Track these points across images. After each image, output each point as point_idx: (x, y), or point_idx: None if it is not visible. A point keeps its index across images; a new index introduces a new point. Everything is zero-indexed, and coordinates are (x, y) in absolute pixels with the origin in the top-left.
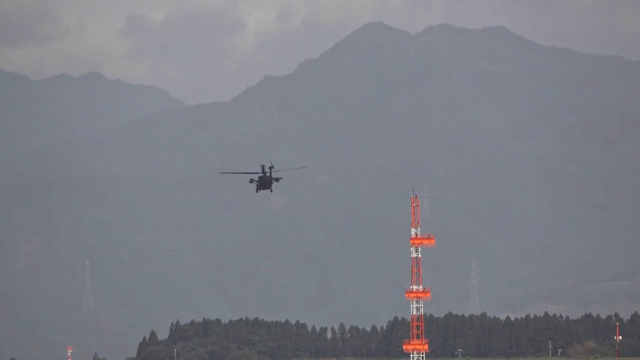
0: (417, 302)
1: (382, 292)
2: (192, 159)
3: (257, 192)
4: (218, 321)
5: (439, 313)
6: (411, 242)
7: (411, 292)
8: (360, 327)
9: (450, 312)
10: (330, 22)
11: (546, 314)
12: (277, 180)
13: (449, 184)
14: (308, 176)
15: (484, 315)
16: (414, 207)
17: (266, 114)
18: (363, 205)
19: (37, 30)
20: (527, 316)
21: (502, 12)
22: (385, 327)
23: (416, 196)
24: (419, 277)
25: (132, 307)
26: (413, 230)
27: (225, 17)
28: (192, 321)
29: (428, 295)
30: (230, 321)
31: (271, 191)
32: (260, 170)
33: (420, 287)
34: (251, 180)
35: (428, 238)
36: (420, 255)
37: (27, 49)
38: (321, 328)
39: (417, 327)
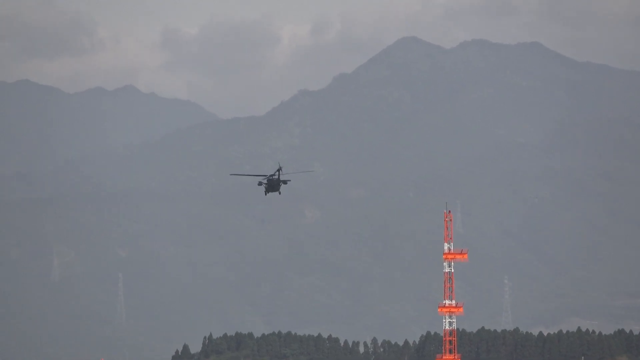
0: (450, 317)
1: (415, 307)
2: (225, 173)
3: (265, 194)
4: (250, 335)
5: (472, 328)
6: (444, 256)
7: (444, 306)
8: (393, 341)
9: (483, 327)
10: (365, 37)
11: (579, 329)
12: (285, 182)
13: (482, 199)
14: (341, 190)
15: (516, 330)
16: (447, 221)
17: (300, 128)
18: (396, 219)
19: (72, 43)
20: (560, 331)
21: (536, 28)
22: (417, 342)
23: (449, 211)
24: (451, 291)
25: (165, 321)
26: (446, 245)
27: (260, 31)
28: (225, 335)
29: (461, 310)
30: (263, 335)
31: (279, 193)
32: (272, 173)
33: (453, 301)
34: (260, 183)
35: (461, 253)
36: (453, 270)
37: (62, 61)
38: (354, 342)
39: (450, 341)
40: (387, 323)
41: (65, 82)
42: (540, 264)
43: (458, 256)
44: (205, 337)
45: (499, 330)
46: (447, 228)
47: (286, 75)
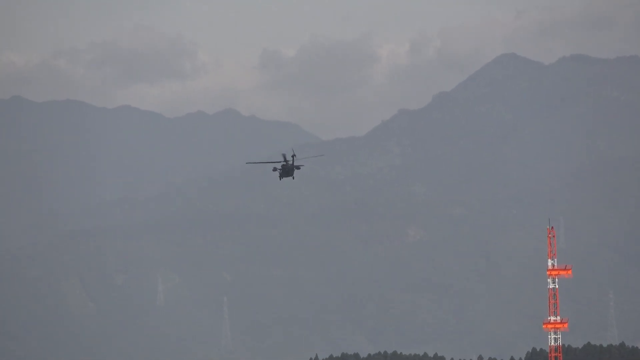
0: (555, 333)
1: (520, 323)
2: (327, 194)
3: (280, 179)
4: (356, 355)
5: (577, 343)
6: (548, 273)
7: (549, 322)
8: (499, 359)
9: (589, 342)
10: (463, 54)
11: None
12: (298, 167)
13: (584, 214)
14: (443, 209)
15: (622, 345)
16: (550, 238)
17: (400, 147)
18: (498, 236)
19: (173, 68)
20: None
21: (635, 41)
22: (523, 358)
23: (552, 227)
24: (556, 307)
25: (270, 343)
26: (550, 261)
27: (358, 51)
28: (331, 356)
29: (566, 325)
30: (369, 355)
31: (293, 178)
32: (283, 160)
33: (558, 317)
34: (274, 169)
35: (565, 269)
36: (557, 286)
37: (163, 86)
38: None
39: (556, 357)
40: (493, 340)
41: (166, 107)
42: None
43: (562, 272)
44: (311, 359)
45: (604, 345)
46: (550, 244)
47: (385, 95)
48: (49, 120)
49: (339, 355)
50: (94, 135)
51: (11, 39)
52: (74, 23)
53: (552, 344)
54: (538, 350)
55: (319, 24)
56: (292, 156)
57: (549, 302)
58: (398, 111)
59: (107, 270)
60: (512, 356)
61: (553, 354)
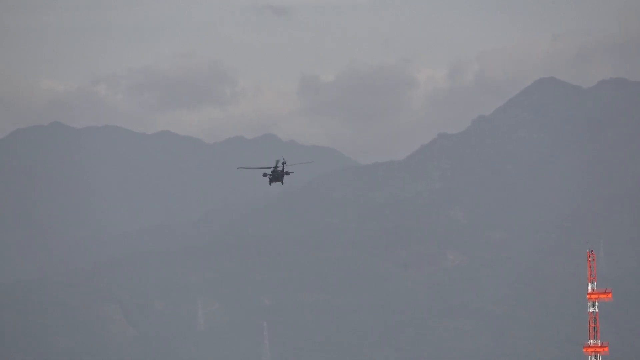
0: (595, 357)
1: (559, 348)
2: (366, 218)
3: (269, 184)
4: None
5: None
6: (588, 296)
7: (589, 347)
8: None
9: None
10: (502, 78)
11: None
12: (287, 174)
13: (625, 238)
14: (483, 233)
15: None
16: (589, 261)
17: (440, 171)
18: (538, 261)
19: (213, 93)
20: None
21: None
22: None
23: (592, 250)
24: (596, 331)
25: None
26: (589, 285)
27: (397, 75)
28: None
29: (606, 349)
30: None
31: (282, 183)
32: (274, 165)
33: (598, 341)
34: (264, 174)
35: (605, 292)
36: (597, 310)
37: (202, 112)
38: None
39: None
40: None
41: (206, 132)
42: None
43: (602, 296)
44: None
45: None
46: (590, 268)
47: (424, 119)
48: (88, 145)
49: None
50: (133, 161)
51: (51, 66)
52: (113, 49)
53: None
54: None
55: (358, 50)
56: (283, 163)
57: (589, 325)
58: (437, 135)
59: (147, 296)
60: None
61: None
